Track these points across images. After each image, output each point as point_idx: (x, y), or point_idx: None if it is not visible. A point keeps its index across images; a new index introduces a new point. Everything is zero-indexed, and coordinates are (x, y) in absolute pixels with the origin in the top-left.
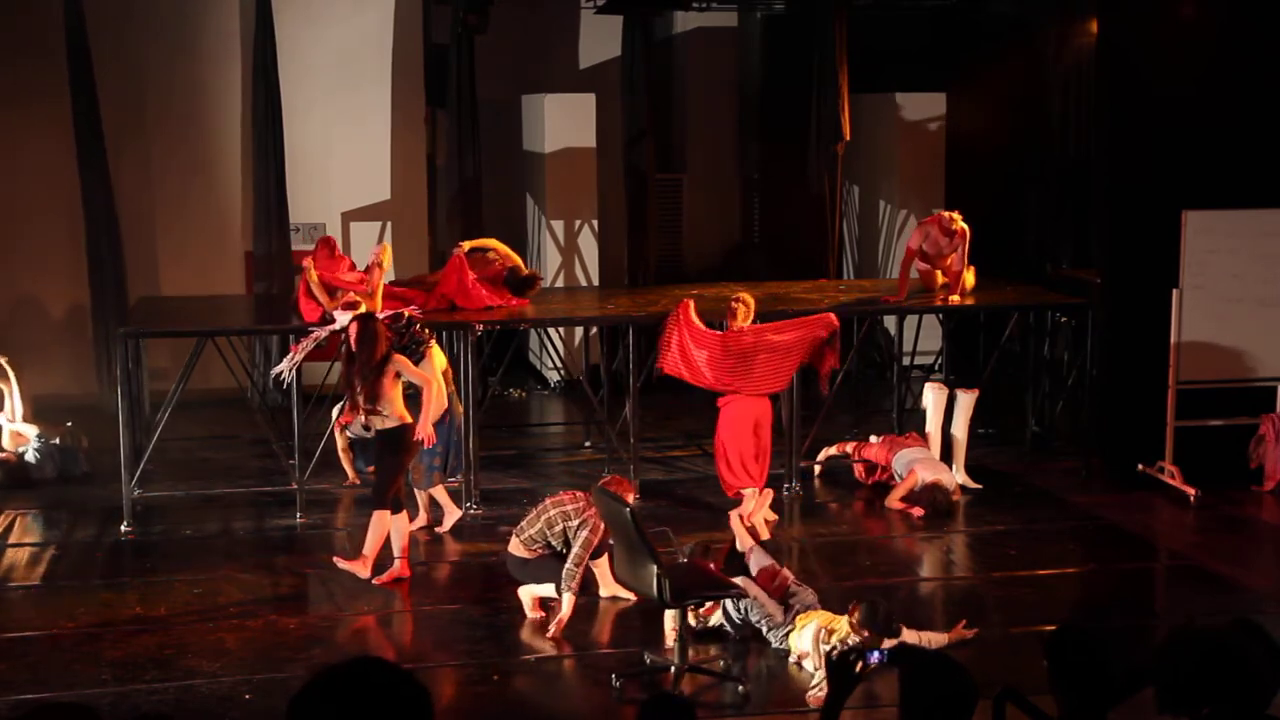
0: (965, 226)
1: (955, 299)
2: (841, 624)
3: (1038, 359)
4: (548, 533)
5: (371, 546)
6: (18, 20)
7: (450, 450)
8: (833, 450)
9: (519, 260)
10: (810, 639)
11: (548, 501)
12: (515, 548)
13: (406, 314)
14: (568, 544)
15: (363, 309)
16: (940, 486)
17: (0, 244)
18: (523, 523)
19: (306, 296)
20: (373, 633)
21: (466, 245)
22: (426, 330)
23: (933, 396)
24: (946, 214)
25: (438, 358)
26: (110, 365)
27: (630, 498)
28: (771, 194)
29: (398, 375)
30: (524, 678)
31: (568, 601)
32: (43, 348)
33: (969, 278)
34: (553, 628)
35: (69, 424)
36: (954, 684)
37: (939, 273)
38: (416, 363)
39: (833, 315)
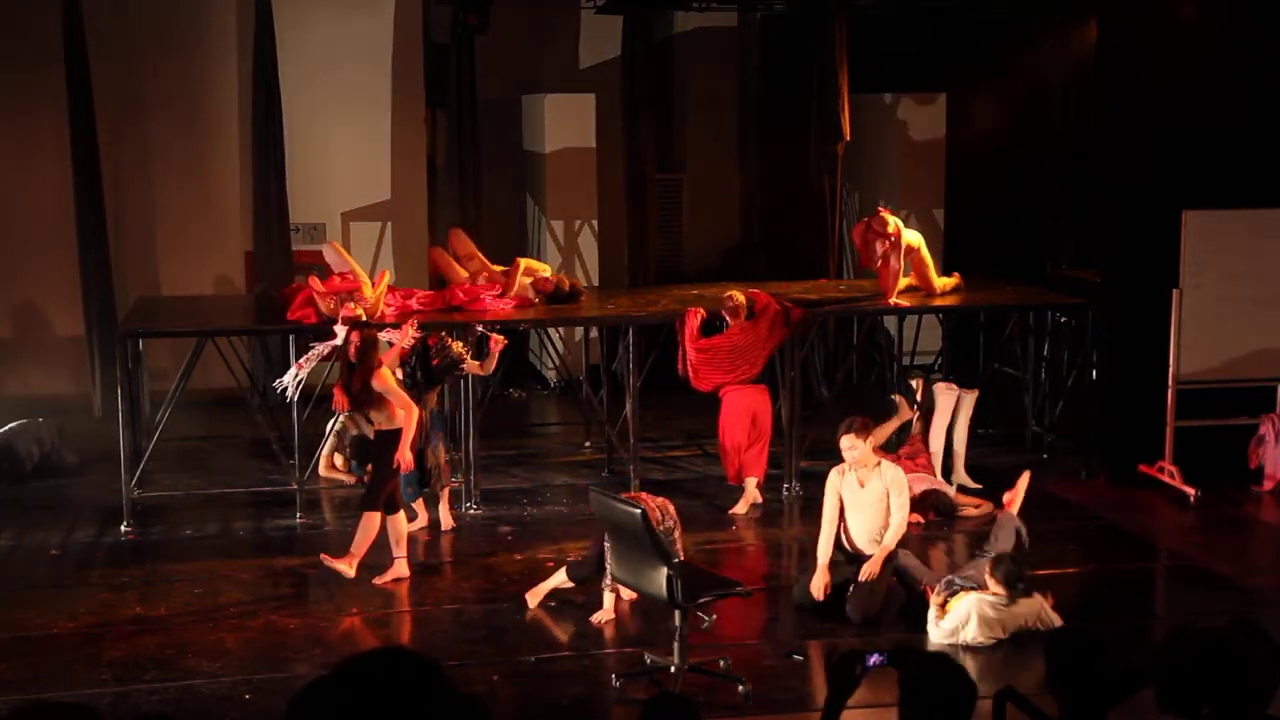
0: (897, 226)
1: (894, 300)
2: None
3: (1038, 359)
4: None
5: (359, 546)
6: (16, 21)
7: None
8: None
9: (549, 273)
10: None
11: None
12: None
13: (412, 331)
14: None
15: (361, 316)
16: (938, 492)
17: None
18: None
19: (304, 304)
20: (373, 633)
21: (522, 263)
22: (448, 335)
23: (941, 399)
24: (879, 214)
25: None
26: (96, 365)
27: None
28: (771, 194)
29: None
30: (524, 678)
31: None
32: (35, 349)
33: (947, 282)
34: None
35: (43, 418)
36: (953, 684)
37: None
38: (445, 377)
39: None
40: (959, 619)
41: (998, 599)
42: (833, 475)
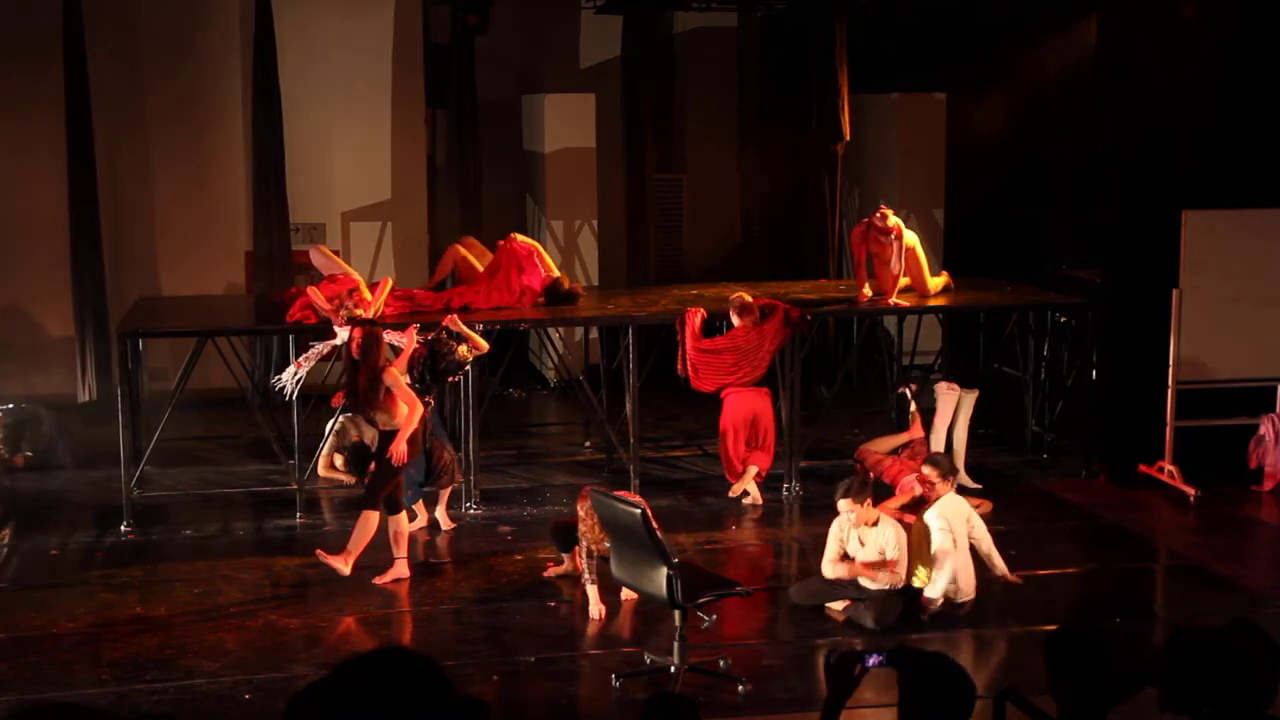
0: (898, 224)
1: (894, 300)
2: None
3: (1037, 359)
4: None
5: (356, 544)
6: (16, 21)
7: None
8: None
9: (558, 272)
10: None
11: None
12: None
13: (415, 332)
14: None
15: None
16: None
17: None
18: None
19: (304, 307)
20: (373, 633)
21: (520, 237)
22: (452, 340)
23: (943, 398)
24: (880, 211)
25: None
26: (86, 366)
27: None
28: (771, 194)
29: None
30: (524, 678)
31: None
32: (30, 351)
33: (938, 282)
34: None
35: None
36: (953, 684)
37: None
38: (446, 378)
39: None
40: (934, 533)
41: (942, 495)
42: (836, 525)
